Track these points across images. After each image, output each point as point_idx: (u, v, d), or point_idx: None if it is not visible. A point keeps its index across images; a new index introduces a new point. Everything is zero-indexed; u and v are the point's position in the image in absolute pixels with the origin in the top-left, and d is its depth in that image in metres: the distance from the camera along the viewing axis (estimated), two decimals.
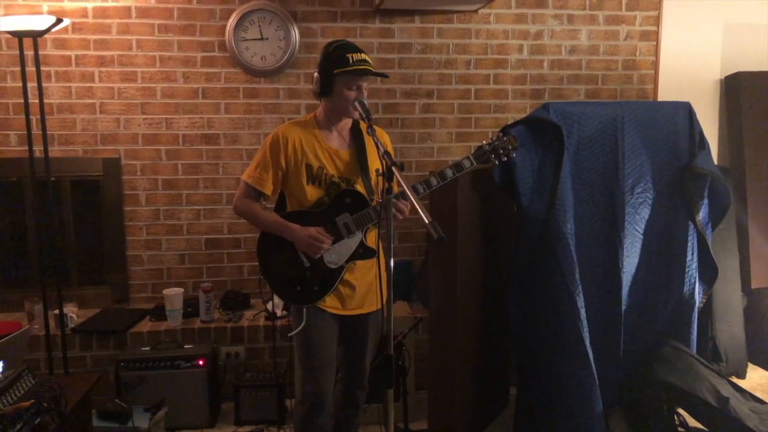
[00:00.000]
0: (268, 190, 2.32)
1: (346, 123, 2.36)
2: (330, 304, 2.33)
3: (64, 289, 3.31)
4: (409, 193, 1.82)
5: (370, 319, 2.41)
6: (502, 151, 2.42)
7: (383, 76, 2.37)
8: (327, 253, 2.26)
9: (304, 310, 2.31)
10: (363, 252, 2.30)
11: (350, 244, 2.29)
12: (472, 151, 2.41)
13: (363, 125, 2.29)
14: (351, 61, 2.19)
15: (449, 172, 2.30)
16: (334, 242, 2.25)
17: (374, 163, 2.28)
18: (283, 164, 2.29)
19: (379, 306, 2.38)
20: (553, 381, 2.80)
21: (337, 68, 2.20)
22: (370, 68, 2.24)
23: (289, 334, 2.41)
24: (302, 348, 2.36)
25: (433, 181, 2.28)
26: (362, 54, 2.24)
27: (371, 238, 2.33)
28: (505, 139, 2.43)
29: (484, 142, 2.42)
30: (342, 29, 3.67)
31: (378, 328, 2.43)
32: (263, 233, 2.36)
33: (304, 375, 2.37)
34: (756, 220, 3.87)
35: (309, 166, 2.29)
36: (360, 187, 2.32)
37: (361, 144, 2.35)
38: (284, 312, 3.36)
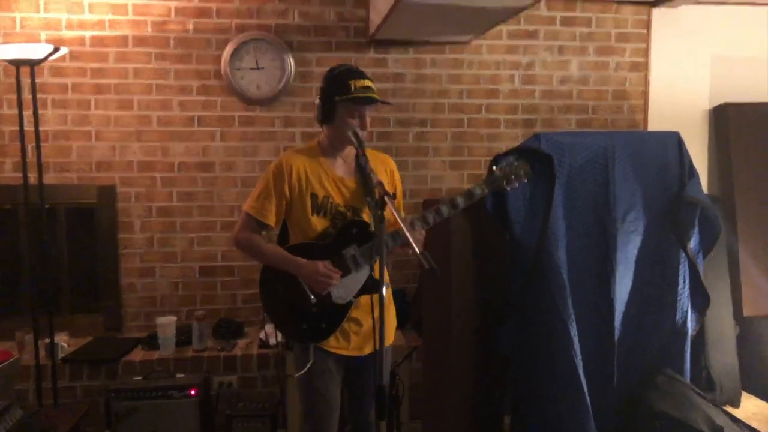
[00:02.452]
0: (271, 221, 2.24)
1: (351, 150, 2.26)
2: (335, 344, 2.24)
3: (56, 316, 3.28)
4: (401, 222, 1.82)
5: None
6: (514, 177, 2.33)
7: (386, 103, 2.31)
8: (335, 289, 2.17)
9: (311, 350, 2.22)
10: (372, 285, 2.16)
11: (359, 277, 2.20)
12: (484, 178, 2.32)
13: (368, 152, 2.21)
14: (353, 88, 2.13)
15: (460, 201, 2.23)
16: (342, 276, 2.16)
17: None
18: (287, 193, 2.21)
19: (387, 343, 2.30)
20: (547, 410, 2.78)
21: (338, 95, 2.14)
22: (371, 96, 2.16)
23: (295, 375, 2.29)
24: (305, 393, 2.28)
25: (444, 209, 2.20)
26: (365, 80, 2.17)
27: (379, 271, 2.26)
28: (517, 164, 2.34)
29: (495, 167, 2.34)
30: (337, 59, 3.72)
31: (387, 366, 2.32)
32: (266, 267, 2.27)
33: (307, 421, 2.30)
34: (747, 248, 3.90)
35: (314, 196, 2.21)
36: (366, 216, 2.22)
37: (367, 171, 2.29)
38: (278, 341, 3.34)
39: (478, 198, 2.27)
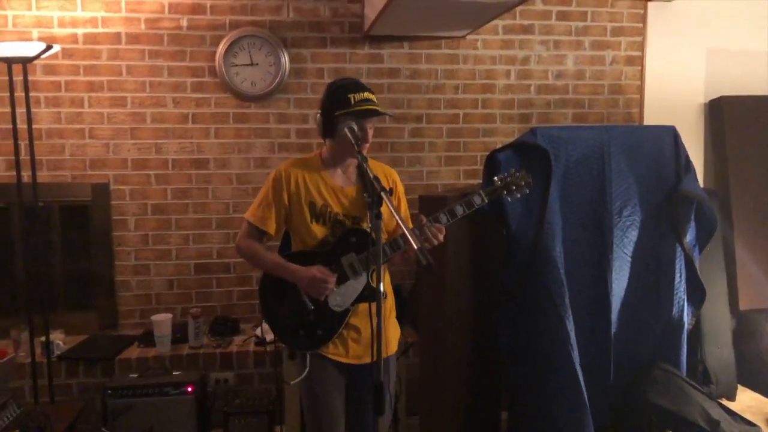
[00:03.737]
0: (271, 229, 2.26)
1: (352, 161, 2.27)
2: (333, 351, 2.23)
3: (51, 315, 3.28)
4: (398, 219, 1.82)
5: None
6: (515, 188, 2.32)
7: (388, 115, 2.28)
8: (332, 296, 2.18)
9: (308, 357, 2.22)
10: (369, 294, 2.19)
11: (356, 285, 2.21)
12: (482, 185, 2.31)
13: (371, 163, 2.16)
14: (353, 101, 2.12)
15: (459, 210, 2.21)
16: (339, 284, 2.17)
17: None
18: (286, 202, 2.23)
19: (389, 353, 2.29)
20: (544, 404, 2.79)
21: (338, 110, 2.13)
22: (372, 108, 2.14)
23: (291, 383, 2.31)
24: (307, 401, 2.28)
25: (442, 218, 2.18)
26: (365, 93, 2.15)
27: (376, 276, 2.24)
28: (518, 174, 2.34)
29: (496, 177, 2.33)
30: (332, 55, 3.71)
31: (391, 377, 2.31)
32: (265, 274, 2.29)
33: (311, 430, 2.29)
34: (743, 242, 3.91)
35: (312, 204, 2.22)
36: (366, 226, 2.21)
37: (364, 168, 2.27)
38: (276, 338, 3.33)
39: (478, 207, 2.25)
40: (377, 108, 2.17)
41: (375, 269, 1.96)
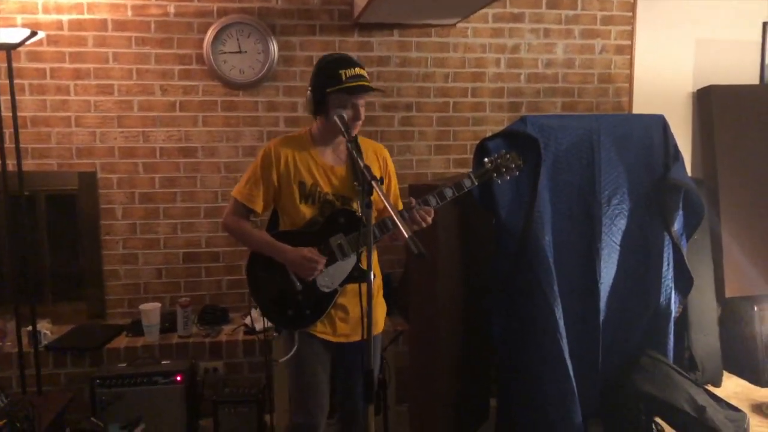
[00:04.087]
0: (258, 207, 2.23)
1: (342, 140, 2.21)
2: (321, 329, 2.24)
3: (39, 305, 3.25)
4: (389, 207, 1.81)
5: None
6: (505, 170, 2.29)
7: (379, 91, 2.26)
8: (320, 276, 2.17)
9: (296, 335, 2.23)
10: (358, 275, 2.18)
11: (344, 266, 2.20)
12: (472, 169, 2.27)
13: (361, 140, 2.20)
14: (344, 77, 2.08)
15: (449, 192, 2.19)
16: (327, 264, 2.16)
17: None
18: (275, 180, 2.21)
19: (377, 331, 2.30)
20: (533, 392, 2.81)
21: (329, 87, 2.09)
22: (364, 83, 2.11)
23: (280, 361, 2.31)
24: (293, 377, 2.28)
25: (432, 201, 2.16)
26: (356, 68, 2.11)
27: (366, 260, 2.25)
28: (508, 156, 2.30)
29: (486, 159, 2.30)
30: (321, 42, 3.69)
31: (377, 356, 2.32)
32: (253, 253, 2.26)
33: (295, 405, 2.30)
34: (729, 231, 3.94)
35: (302, 184, 2.20)
36: (356, 206, 2.21)
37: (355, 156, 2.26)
38: (265, 326, 3.33)
39: (467, 189, 2.24)
40: (369, 84, 2.13)
41: (364, 250, 1.95)
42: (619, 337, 3.04)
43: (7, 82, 3.03)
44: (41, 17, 3.43)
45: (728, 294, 3.92)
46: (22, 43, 3.00)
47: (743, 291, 3.95)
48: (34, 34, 2.99)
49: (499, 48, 3.90)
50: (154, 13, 3.53)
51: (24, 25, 3.37)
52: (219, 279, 3.74)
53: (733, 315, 3.97)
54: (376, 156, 2.35)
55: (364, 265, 2.16)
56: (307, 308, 2.21)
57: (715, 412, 2.84)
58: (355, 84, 2.10)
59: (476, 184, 2.25)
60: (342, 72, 2.09)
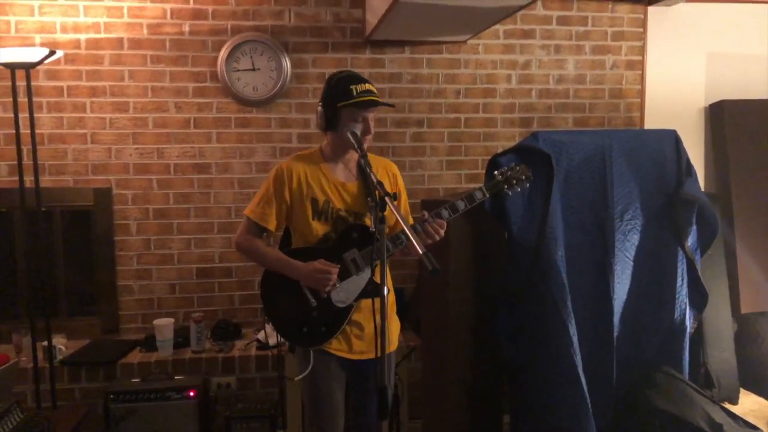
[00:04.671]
0: (271, 225, 2.25)
1: (353, 155, 2.26)
2: (336, 346, 2.24)
3: (54, 320, 3.28)
4: (402, 222, 1.82)
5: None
6: (515, 182, 2.34)
7: (389, 105, 2.30)
8: (335, 292, 2.18)
9: (311, 353, 2.23)
10: (372, 289, 2.14)
11: (359, 281, 2.20)
12: (484, 182, 2.32)
13: (371, 157, 2.20)
14: (355, 93, 2.13)
15: (461, 205, 2.22)
16: (342, 279, 2.17)
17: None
18: (288, 198, 2.23)
19: (391, 349, 2.29)
20: (547, 409, 2.79)
21: (340, 101, 2.14)
22: (374, 99, 2.16)
23: (295, 379, 2.31)
24: (308, 395, 2.29)
25: (444, 213, 2.19)
26: (366, 84, 2.17)
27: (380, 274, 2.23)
28: (518, 168, 2.34)
29: (496, 171, 2.35)
30: (333, 60, 3.72)
31: (391, 374, 2.31)
32: (267, 271, 2.28)
33: (309, 424, 2.30)
34: (744, 245, 3.90)
35: (315, 201, 2.22)
36: (369, 221, 2.21)
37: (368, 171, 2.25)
38: (278, 341, 3.34)
39: (479, 201, 2.27)
40: (378, 99, 2.18)
41: (378, 264, 1.95)
42: (633, 353, 3.02)
43: (26, 100, 3.10)
44: (59, 36, 3.49)
45: (744, 310, 3.87)
46: (40, 62, 3.06)
47: (759, 306, 3.90)
48: (52, 53, 3.06)
49: (510, 64, 3.93)
50: (169, 31, 3.58)
51: (42, 45, 3.44)
52: (232, 294, 3.75)
53: (749, 331, 3.92)
54: (387, 172, 2.37)
55: (378, 279, 2.15)
56: (322, 325, 2.21)
57: (732, 429, 2.80)
58: (366, 99, 2.14)
59: (487, 196, 2.28)
60: (353, 87, 2.14)
